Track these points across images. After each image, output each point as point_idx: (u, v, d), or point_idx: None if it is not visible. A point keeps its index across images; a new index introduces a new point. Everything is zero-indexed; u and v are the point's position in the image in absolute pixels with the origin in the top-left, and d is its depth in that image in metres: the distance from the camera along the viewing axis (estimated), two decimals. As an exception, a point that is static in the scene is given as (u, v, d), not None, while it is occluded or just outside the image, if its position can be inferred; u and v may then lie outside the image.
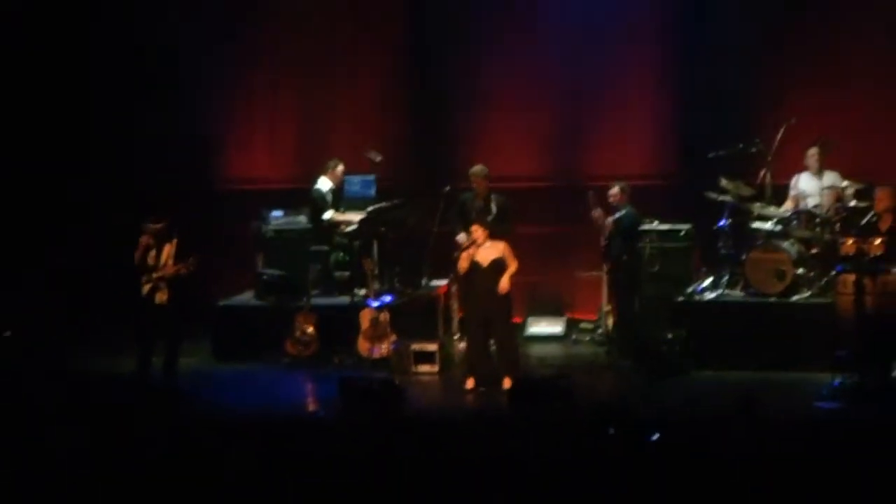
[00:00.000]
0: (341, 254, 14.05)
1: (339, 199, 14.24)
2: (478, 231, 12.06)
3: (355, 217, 14.07)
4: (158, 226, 12.04)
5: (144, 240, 12.05)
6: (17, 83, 15.07)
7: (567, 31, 14.95)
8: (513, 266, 12.04)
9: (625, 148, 14.90)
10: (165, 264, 12.05)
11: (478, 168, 13.46)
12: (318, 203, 14.01)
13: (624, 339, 13.06)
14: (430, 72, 15.27)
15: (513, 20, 15.07)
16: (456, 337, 13.62)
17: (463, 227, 12.97)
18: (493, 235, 12.12)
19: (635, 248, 13.23)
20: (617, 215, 13.03)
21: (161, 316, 12.13)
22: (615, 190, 13.09)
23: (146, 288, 12.11)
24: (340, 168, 14.18)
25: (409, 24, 15.33)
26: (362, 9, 15.42)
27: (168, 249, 12.09)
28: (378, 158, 14.15)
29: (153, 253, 12.08)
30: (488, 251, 12.04)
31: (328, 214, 13.97)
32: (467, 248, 12.06)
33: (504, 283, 11.99)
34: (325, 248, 14.04)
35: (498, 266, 12.02)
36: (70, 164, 15.09)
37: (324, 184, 14.06)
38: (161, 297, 12.10)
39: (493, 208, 12.98)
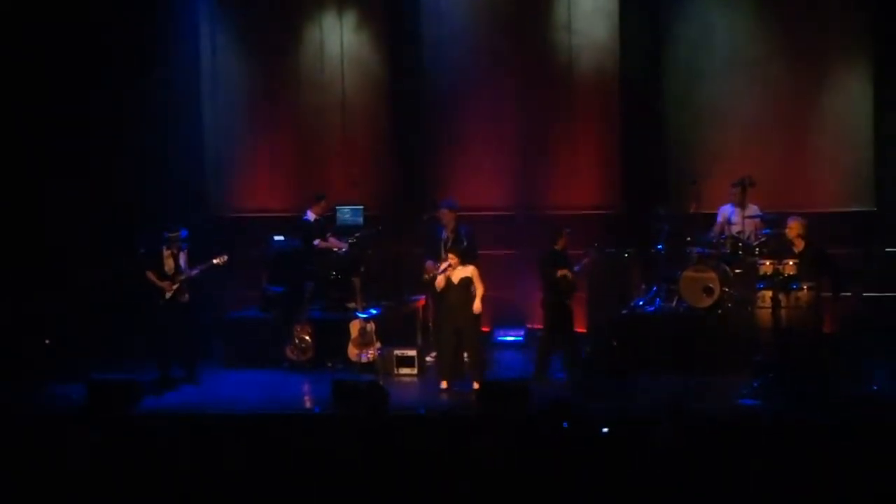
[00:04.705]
0: (333, 272, 14.08)
1: (325, 227, 14.30)
2: (453, 259, 12.19)
3: (339, 243, 14.22)
4: (176, 234, 12.59)
5: (167, 251, 12.56)
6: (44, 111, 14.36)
7: (524, 92, 14.94)
8: (480, 289, 12.18)
9: (576, 182, 14.87)
10: (183, 270, 12.56)
11: (445, 204, 13.30)
12: (305, 232, 14.17)
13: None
14: (411, 116, 15.17)
15: (480, 75, 15.07)
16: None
17: (433, 254, 13.01)
18: (465, 262, 12.25)
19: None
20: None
21: (184, 314, 12.66)
22: None
23: (170, 291, 12.57)
24: (323, 202, 14.27)
25: (394, 74, 15.19)
26: (355, 60, 15.38)
27: (183, 257, 12.70)
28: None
29: (171, 262, 12.57)
30: (460, 272, 12.20)
31: (316, 241, 14.13)
32: (444, 271, 12.17)
33: (477, 305, 12.15)
34: (320, 267, 13.99)
35: (466, 283, 12.16)
36: (98, 191, 14.53)
37: (309, 215, 14.20)
38: (183, 297, 12.70)
39: (463, 239, 12.84)
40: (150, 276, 12.61)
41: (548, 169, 15.00)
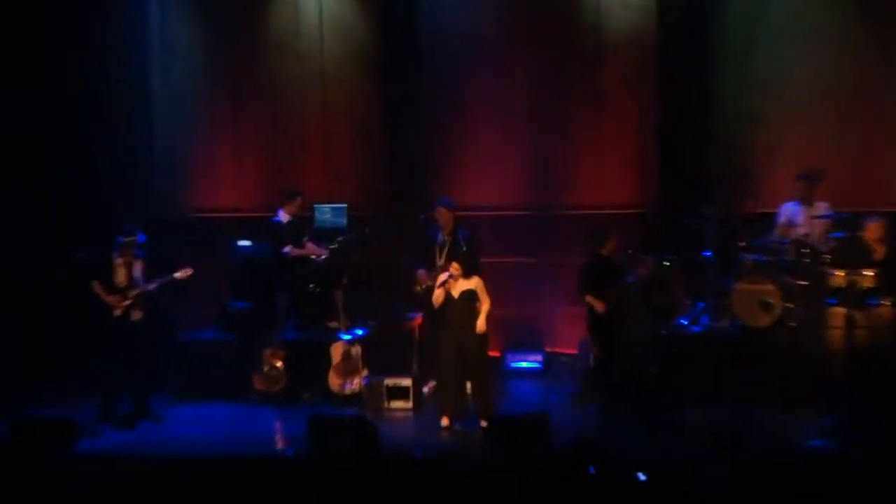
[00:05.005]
0: (311, 285, 13.75)
1: (301, 230, 14.02)
2: (456, 269, 11.87)
3: (317, 249, 13.90)
4: (131, 238, 12.30)
5: (119, 259, 12.31)
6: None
7: (539, 66, 14.79)
8: (486, 304, 11.83)
9: (604, 175, 14.68)
10: (138, 283, 12.31)
11: (441, 202, 13.02)
12: (277, 236, 13.80)
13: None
14: (404, 101, 14.94)
15: (488, 42, 14.85)
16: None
17: (426, 261, 12.80)
18: (468, 272, 11.90)
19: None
20: None
21: (136, 334, 12.38)
22: None
23: (120, 308, 12.32)
24: (298, 200, 13.98)
25: (383, 54, 15.03)
26: (336, 23, 15.16)
27: (139, 267, 12.40)
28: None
29: (123, 272, 12.31)
30: (461, 284, 11.85)
31: (288, 248, 13.78)
32: (443, 283, 11.83)
33: (481, 324, 11.81)
34: (294, 278, 13.76)
35: (469, 296, 11.84)
36: (29, 189, 14.15)
37: (281, 216, 13.86)
38: (136, 314, 12.39)
39: (462, 244, 12.62)
40: (97, 287, 12.16)
41: (570, 158, 14.67)
